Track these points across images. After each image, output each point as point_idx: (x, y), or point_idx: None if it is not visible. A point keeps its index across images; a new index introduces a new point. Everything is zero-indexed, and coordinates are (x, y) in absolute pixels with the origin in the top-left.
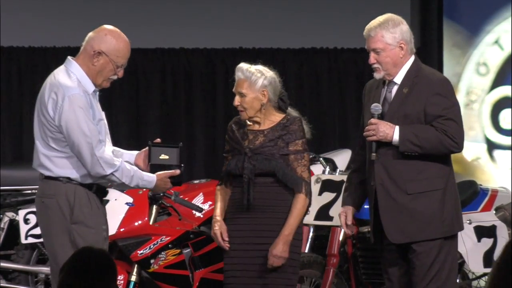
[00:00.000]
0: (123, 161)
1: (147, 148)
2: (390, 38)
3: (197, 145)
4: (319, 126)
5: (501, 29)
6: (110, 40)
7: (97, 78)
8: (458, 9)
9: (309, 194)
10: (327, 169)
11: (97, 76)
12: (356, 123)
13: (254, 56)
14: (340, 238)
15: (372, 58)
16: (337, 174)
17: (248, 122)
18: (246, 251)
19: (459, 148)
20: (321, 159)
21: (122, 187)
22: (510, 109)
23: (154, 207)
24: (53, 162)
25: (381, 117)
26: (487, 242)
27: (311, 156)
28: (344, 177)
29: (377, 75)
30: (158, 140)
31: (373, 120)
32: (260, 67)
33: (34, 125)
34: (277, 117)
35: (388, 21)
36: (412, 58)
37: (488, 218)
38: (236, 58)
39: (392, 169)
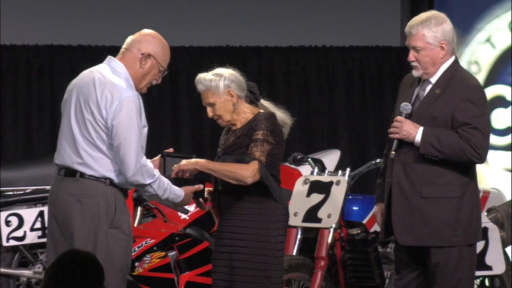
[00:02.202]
0: (159, 172)
1: (159, 156)
2: (431, 37)
3: (183, 146)
4: (307, 125)
5: (492, 27)
6: (158, 44)
7: (141, 81)
8: (449, 6)
9: (262, 174)
10: (316, 170)
11: (141, 79)
12: (345, 122)
13: (241, 54)
14: (329, 241)
15: (412, 55)
16: (325, 175)
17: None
18: (220, 253)
19: (481, 159)
20: (309, 159)
21: (152, 199)
22: (502, 109)
23: (139, 208)
24: (98, 162)
25: (409, 117)
26: (478, 245)
27: (299, 157)
28: (333, 178)
29: (415, 73)
30: (171, 149)
31: (398, 118)
32: (217, 70)
33: (66, 121)
34: (249, 114)
35: (431, 19)
36: (452, 59)
37: None
38: (223, 57)
39: (411, 170)
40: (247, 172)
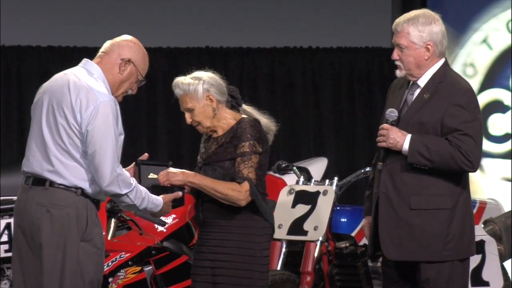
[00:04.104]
0: (135, 181)
1: (133, 164)
2: (416, 36)
3: (160, 152)
4: (292, 132)
5: (489, 27)
6: (139, 51)
7: (118, 89)
8: (443, 5)
9: (252, 194)
10: (301, 179)
11: (119, 85)
12: (332, 128)
13: (222, 56)
14: (315, 254)
15: (395, 54)
16: (312, 184)
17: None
18: (201, 268)
19: (473, 167)
20: (294, 168)
21: (128, 209)
22: (500, 114)
23: (113, 220)
24: (69, 170)
25: (396, 123)
26: (475, 259)
27: (283, 165)
28: (320, 188)
29: (398, 73)
30: (146, 155)
31: (385, 126)
32: (195, 73)
33: (37, 126)
34: (231, 120)
35: (419, 18)
36: (441, 62)
37: (476, 232)
38: (202, 58)
39: (399, 179)
40: (240, 195)
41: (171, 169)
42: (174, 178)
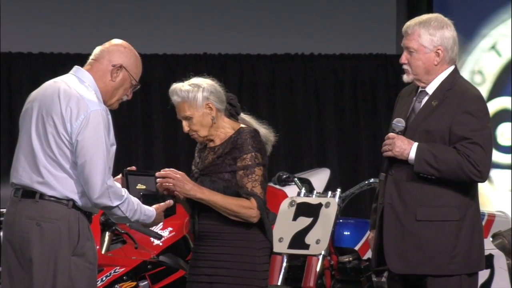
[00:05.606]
0: (127, 192)
1: (120, 175)
2: (427, 40)
3: (156, 163)
4: (293, 141)
5: (498, 33)
6: (130, 55)
7: (111, 96)
8: (450, 10)
9: (261, 209)
10: (303, 190)
11: (112, 93)
12: (335, 138)
13: (220, 63)
14: (317, 269)
15: (404, 57)
16: (314, 196)
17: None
18: (198, 283)
19: (482, 177)
20: (295, 179)
21: (120, 221)
22: (508, 123)
23: (107, 233)
24: (60, 181)
25: (403, 133)
26: (483, 274)
27: (284, 176)
28: (322, 200)
29: (405, 78)
30: (134, 168)
31: (390, 135)
32: (193, 80)
33: (26, 135)
34: (229, 129)
35: (431, 21)
36: (451, 69)
37: (485, 246)
38: (200, 65)
39: (404, 190)
40: (252, 212)
41: (184, 176)
42: (182, 187)
